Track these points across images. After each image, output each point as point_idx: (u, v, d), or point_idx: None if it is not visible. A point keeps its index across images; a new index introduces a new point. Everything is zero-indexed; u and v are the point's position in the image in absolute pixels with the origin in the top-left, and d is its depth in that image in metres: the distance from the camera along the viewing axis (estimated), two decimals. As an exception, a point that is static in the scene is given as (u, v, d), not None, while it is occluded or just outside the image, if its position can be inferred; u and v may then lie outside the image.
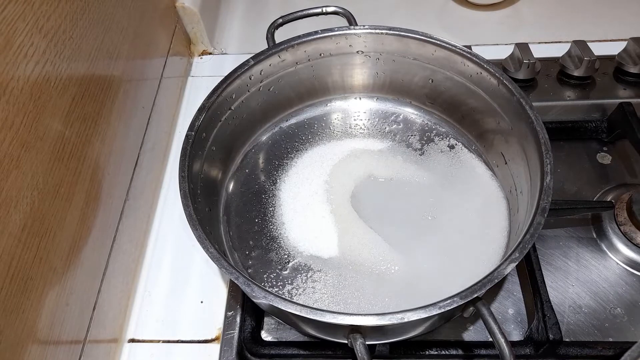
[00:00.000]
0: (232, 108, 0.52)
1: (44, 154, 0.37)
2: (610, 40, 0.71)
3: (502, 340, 0.33)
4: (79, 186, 0.42)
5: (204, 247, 0.39)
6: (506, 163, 0.51)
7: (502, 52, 0.67)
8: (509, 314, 0.49)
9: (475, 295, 0.35)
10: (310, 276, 0.48)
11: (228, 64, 0.73)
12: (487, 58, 0.50)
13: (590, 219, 0.55)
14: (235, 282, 0.37)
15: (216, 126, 0.50)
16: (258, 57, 0.52)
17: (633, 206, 0.51)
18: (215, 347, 0.49)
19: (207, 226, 0.42)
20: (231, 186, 0.55)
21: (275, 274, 0.49)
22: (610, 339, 0.47)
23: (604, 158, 0.59)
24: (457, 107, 0.56)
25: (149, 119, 0.58)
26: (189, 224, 0.40)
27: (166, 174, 0.62)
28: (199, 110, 0.47)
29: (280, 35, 0.54)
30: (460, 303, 0.34)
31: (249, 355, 0.47)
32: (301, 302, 0.37)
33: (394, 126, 0.59)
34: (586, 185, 0.57)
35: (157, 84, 0.61)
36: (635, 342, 0.37)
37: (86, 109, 0.44)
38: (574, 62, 0.64)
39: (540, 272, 0.47)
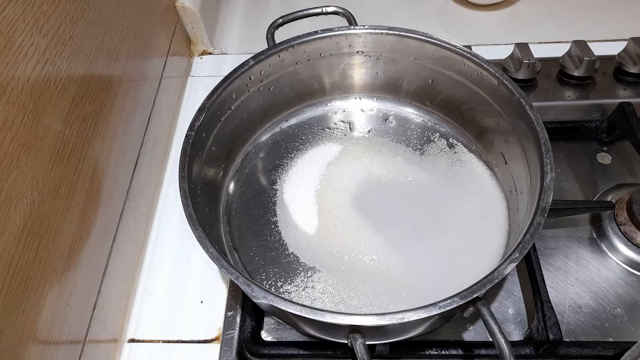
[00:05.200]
0: (232, 108, 0.52)
1: (44, 154, 0.37)
2: (610, 40, 0.71)
3: (502, 340, 0.33)
4: (79, 186, 0.42)
5: (204, 247, 0.39)
6: (506, 163, 0.51)
7: (502, 52, 0.67)
8: (509, 314, 0.49)
9: (475, 295, 0.35)
10: (310, 276, 0.48)
11: (228, 64, 0.73)
12: (487, 58, 0.50)
13: (590, 219, 0.55)
14: (235, 282, 0.37)
15: (216, 126, 0.50)
16: (258, 57, 0.52)
17: (633, 206, 0.51)
18: (215, 347, 0.49)
19: (207, 226, 0.42)
20: (231, 186, 0.55)
21: (275, 274, 0.49)
22: (610, 339, 0.47)
23: (604, 158, 0.59)
24: (457, 107, 0.56)
25: (149, 119, 0.58)
26: (189, 224, 0.40)
27: (166, 174, 0.62)
28: (199, 110, 0.47)
29: (280, 35, 0.54)
30: (460, 303, 0.34)
31: (249, 355, 0.47)
32: (301, 302, 0.37)
33: (394, 126, 0.59)
34: (586, 185, 0.57)
35: (157, 84, 0.61)
36: (635, 342, 0.37)
37: (86, 109, 0.44)
38: (574, 62, 0.64)
39: (540, 272, 0.47)
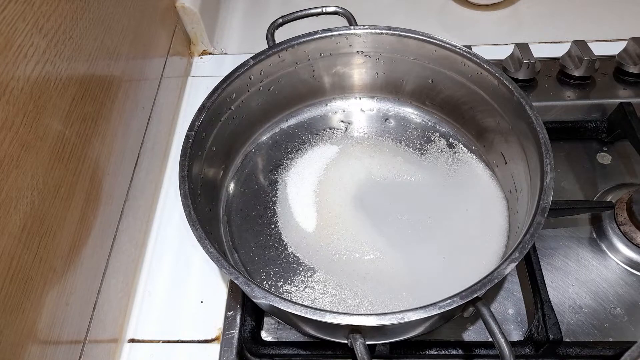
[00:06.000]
0: (232, 108, 0.52)
1: (44, 154, 0.37)
2: (610, 40, 0.71)
3: (502, 340, 0.33)
4: (79, 186, 0.42)
5: (204, 247, 0.39)
6: (506, 163, 0.51)
7: (502, 52, 0.67)
8: (509, 314, 0.49)
9: (475, 295, 0.35)
10: (310, 276, 0.48)
11: (228, 64, 0.73)
12: (487, 58, 0.50)
13: (590, 219, 0.55)
14: (235, 282, 0.37)
15: (216, 126, 0.50)
16: (258, 57, 0.52)
17: (633, 206, 0.51)
18: (215, 347, 0.49)
19: (207, 226, 0.42)
20: (231, 186, 0.55)
21: (275, 274, 0.49)
22: (610, 339, 0.47)
23: (604, 158, 0.59)
24: (457, 107, 0.56)
25: (149, 119, 0.58)
26: (189, 224, 0.40)
27: (166, 174, 0.62)
28: (199, 110, 0.47)
29: (280, 35, 0.54)
30: (460, 303, 0.34)
31: (249, 355, 0.47)
32: (301, 302, 0.37)
33: (394, 126, 0.59)
34: (586, 185, 0.57)
35: (157, 84, 0.61)
36: (635, 342, 0.37)
37: (86, 109, 0.44)
38: (574, 62, 0.64)
39: (540, 272, 0.47)
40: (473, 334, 0.48)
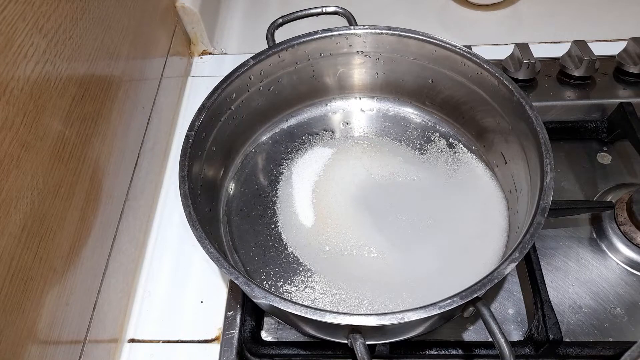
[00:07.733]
0: (232, 108, 0.52)
1: (44, 154, 0.37)
2: (610, 40, 0.71)
3: (502, 340, 0.33)
4: (79, 186, 0.42)
5: (204, 247, 0.39)
6: (506, 163, 0.51)
7: (502, 52, 0.67)
8: (509, 314, 0.49)
9: (475, 295, 0.35)
10: (310, 276, 0.48)
11: (228, 64, 0.73)
12: (487, 58, 0.50)
13: (590, 219, 0.55)
14: (235, 282, 0.37)
15: (216, 126, 0.50)
16: (258, 57, 0.52)
17: (633, 206, 0.51)
18: (215, 347, 0.49)
19: (207, 226, 0.42)
20: (231, 186, 0.55)
21: (275, 274, 0.49)
22: (610, 339, 0.47)
23: (604, 158, 0.59)
24: (457, 107, 0.56)
25: (149, 119, 0.58)
26: (189, 224, 0.40)
27: (166, 174, 0.62)
28: (199, 110, 0.47)
29: (280, 35, 0.54)
30: (460, 303, 0.34)
31: (249, 355, 0.47)
32: (301, 302, 0.37)
33: (393, 126, 0.59)
34: (586, 185, 0.57)
35: (157, 84, 0.61)
36: (635, 342, 0.37)
37: (86, 109, 0.44)
38: (574, 62, 0.64)
39: (540, 272, 0.47)
40: (473, 334, 0.48)
